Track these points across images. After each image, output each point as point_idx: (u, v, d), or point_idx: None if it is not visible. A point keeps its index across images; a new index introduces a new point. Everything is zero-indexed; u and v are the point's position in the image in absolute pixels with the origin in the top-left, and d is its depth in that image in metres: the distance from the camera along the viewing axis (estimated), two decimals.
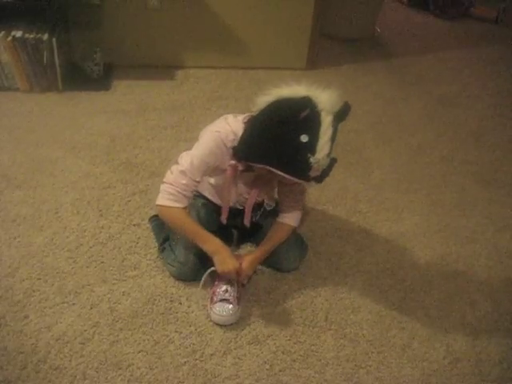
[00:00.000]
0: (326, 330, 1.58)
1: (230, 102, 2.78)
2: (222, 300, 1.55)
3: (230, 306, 1.54)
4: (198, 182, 1.53)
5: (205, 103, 2.75)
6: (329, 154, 1.32)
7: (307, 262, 1.80)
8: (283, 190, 1.67)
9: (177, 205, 1.52)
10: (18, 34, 2.54)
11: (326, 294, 1.70)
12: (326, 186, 2.19)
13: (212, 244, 1.54)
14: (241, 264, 1.56)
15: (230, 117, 1.54)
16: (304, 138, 1.27)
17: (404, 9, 4.51)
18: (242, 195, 1.64)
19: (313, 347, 1.53)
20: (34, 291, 1.61)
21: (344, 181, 2.26)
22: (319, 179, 1.35)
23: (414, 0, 4.49)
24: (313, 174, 1.32)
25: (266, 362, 1.47)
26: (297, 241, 1.77)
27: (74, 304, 1.58)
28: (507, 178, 2.39)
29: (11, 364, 1.39)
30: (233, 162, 1.49)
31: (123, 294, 1.62)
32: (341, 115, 1.33)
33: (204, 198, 1.73)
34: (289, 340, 1.54)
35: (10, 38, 2.52)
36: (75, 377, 1.38)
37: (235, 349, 1.50)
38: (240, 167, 1.50)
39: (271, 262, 1.73)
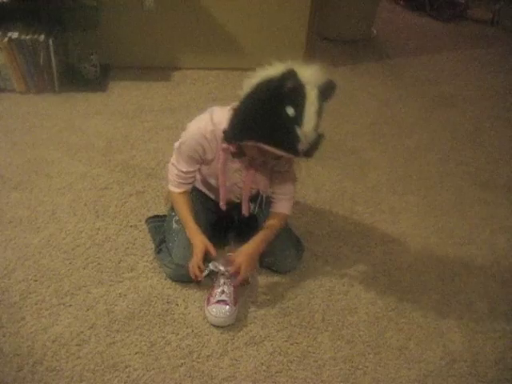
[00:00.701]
0: (322, 331, 1.58)
1: (226, 104, 2.73)
2: (218, 301, 1.54)
3: (227, 307, 1.54)
4: (187, 171, 1.60)
5: (201, 104, 2.74)
6: (316, 128, 1.33)
7: (304, 263, 1.80)
8: (275, 178, 1.66)
9: (176, 190, 1.65)
10: (15, 35, 2.54)
11: (322, 295, 1.70)
12: (323, 187, 2.20)
13: (189, 230, 1.62)
14: (234, 260, 1.56)
15: (217, 108, 1.59)
16: (289, 110, 1.28)
17: (400, 10, 4.52)
18: (236, 184, 1.64)
19: (309, 348, 1.53)
20: (30, 293, 1.60)
21: (341, 182, 2.26)
22: (308, 153, 1.36)
23: (410, 1, 4.50)
24: (301, 147, 1.33)
25: (262, 364, 1.47)
26: (293, 242, 1.77)
27: (70, 306, 1.57)
28: (503, 180, 2.40)
29: (7, 366, 1.39)
30: (224, 145, 1.51)
31: (120, 296, 1.62)
32: (326, 93, 1.33)
33: (201, 193, 1.75)
34: (286, 341, 1.54)
35: (6, 39, 2.52)
36: (72, 378, 1.38)
37: (232, 350, 1.50)
38: (231, 149, 1.51)
39: (268, 262, 1.73)
